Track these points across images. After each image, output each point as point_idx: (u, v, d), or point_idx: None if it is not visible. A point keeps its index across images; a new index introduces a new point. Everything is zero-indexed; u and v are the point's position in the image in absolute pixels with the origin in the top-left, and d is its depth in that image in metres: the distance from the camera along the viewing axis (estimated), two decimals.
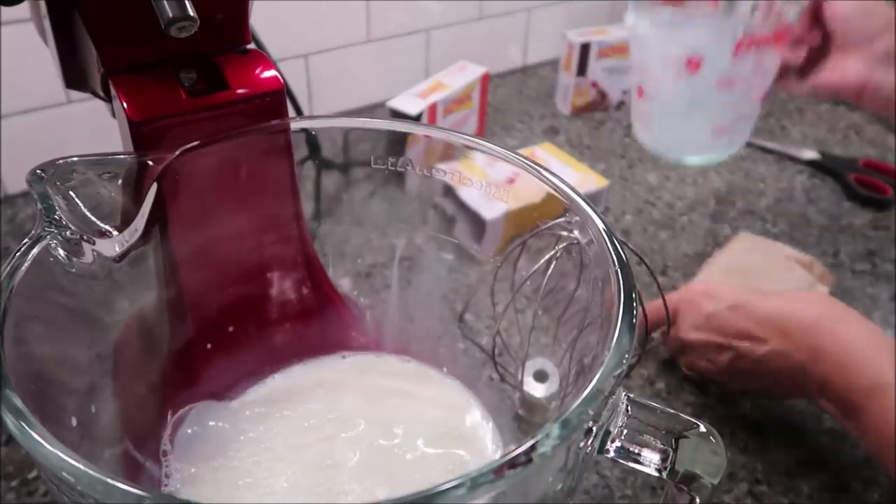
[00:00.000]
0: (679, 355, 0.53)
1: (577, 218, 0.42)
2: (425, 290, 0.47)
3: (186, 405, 0.41)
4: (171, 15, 0.27)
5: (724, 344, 0.48)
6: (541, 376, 0.47)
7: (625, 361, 0.26)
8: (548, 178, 0.37)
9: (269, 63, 0.39)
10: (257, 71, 0.39)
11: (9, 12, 0.42)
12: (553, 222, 0.43)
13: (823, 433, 0.51)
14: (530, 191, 0.68)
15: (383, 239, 0.51)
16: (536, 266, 0.42)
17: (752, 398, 0.53)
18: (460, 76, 0.75)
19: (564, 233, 0.42)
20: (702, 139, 0.61)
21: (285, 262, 0.43)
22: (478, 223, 0.65)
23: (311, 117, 0.38)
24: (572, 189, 0.36)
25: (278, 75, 0.39)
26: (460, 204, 0.67)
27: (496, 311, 0.45)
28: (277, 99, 0.38)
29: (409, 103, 0.69)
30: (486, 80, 0.76)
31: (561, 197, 0.36)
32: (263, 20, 0.79)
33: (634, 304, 0.28)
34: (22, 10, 0.36)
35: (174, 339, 0.41)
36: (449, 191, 0.69)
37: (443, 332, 0.47)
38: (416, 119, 0.68)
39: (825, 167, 0.82)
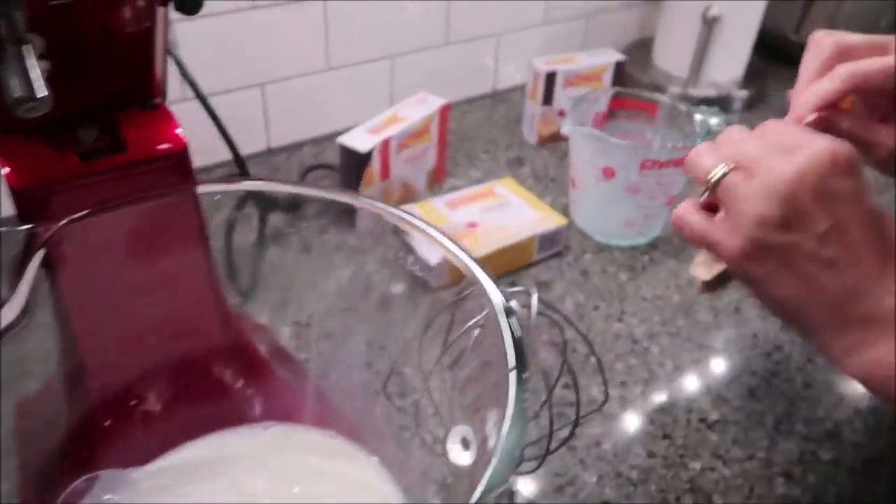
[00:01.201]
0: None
1: (521, 288, 0.39)
2: (350, 358, 0.45)
3: (90, 473, 0.39)
4: (15, 96, 0.25)
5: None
6: (466, 443, 0.45)
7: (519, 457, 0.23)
8: (454, 253, 0.34)
9: (172, 121, 0.37)
10: (160, 129, 0.36)
11: None
12: (473, 289, 0.41)
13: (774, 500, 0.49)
14: (495, 235, 0.66)
15: (314, 303, 0.49)
16: (457, 335, 0.40)
17: (701, 459, 0.51)
18: (419, 108, 0.73)
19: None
20: (615, 229, 0.71)
21: (197, 328, 0.41)
22: (427, 269, 0.62)
23: (212, 181, 0.35)
24: (478, 265, 0.33)
25: (181, 134, 0.36)
26: (410, 247, 0.65)
27: (424, 376, 0.42)
28: (180, 159, 0.36)
29: (360, 140, 0.66)
30: (445, 111, 0.74)
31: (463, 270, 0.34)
32: (216, 49, 0.78)
33: (523, 393, 0.26)
34: None
35: (74, 410, 0.39)
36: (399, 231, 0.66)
37: (368, 402, 0.44)
38: (367, 156, 0.65)
39: None
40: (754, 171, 0.35)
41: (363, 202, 0.37)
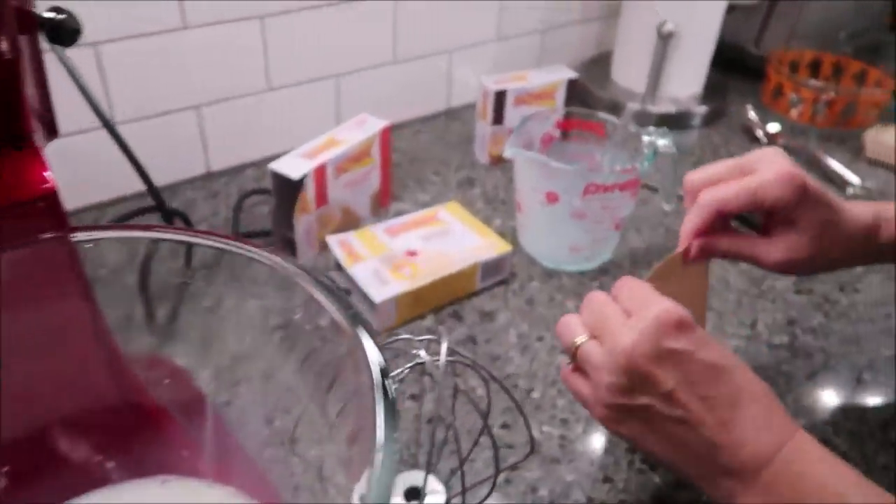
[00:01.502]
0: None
1: (432, 336, 0.37)
2: (270, 404, 0.42)
3: None
4: None
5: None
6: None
7: None
8: (328, 303, 0.31)
9: (42, 163, 0.34)
10: (26, 173, 0.33)
11: None
12: (399, 338, 0.38)
13: None
14: (435, 264, 0.63)
15: (237, 344, 0.45)
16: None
17: None
18: (358, 131, 0.70)
19: (413, 350, 0.37)
20: (562, 255, 0.69)
21: (84, 380, 0.38)
22: (368, 302, 0.59)
23: (83, 228, 0.32)
24: (360, 323, 0.30)
25: (50, 177, 0.33)
26: (352, 280, 0.62)
27: (329, 428, 0.39)
28: (49, 204, 0.33)
29: (293, 165, 0.63)
30: (386, 133, 0.71)
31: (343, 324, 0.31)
32: (147, 71, 0.75)
33: (391, 457, 0.23)
34: None
35: None
36: (340, 266, 0.63)
37: (280, 453, 0.41)
38: (300, 183, 0.62)
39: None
40: (603, 339, 0.39)
41: (246, 250, 0.34)
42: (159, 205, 0.54)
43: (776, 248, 0.46)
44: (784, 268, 0.47)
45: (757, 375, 0.38)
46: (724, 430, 0.36)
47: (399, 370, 0.37)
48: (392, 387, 0.26)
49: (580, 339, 0.40)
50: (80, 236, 0.33)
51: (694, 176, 0.47)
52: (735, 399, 0.36)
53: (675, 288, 0.42)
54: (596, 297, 0.41)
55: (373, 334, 0.28)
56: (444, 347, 0.35)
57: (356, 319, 0.29)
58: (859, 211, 0.47)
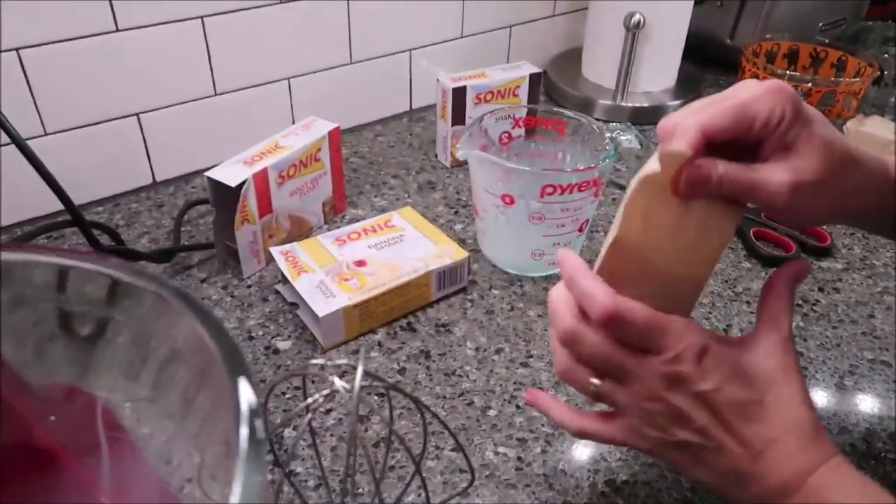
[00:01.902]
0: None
1: (344, 361, 0.33)
2: (188, 438, 0.38)
3: None
4: None
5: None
6: None
7: None
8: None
9: None
10: None
11: None
12: (313, 363, 0.34)
13: None
14: (385, 275, 0.59)
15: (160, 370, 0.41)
16: (291, 413, 0.33)
17: None
18: (303, 135, 0.66)
19: (330, 376, 0.33)
20: (524, 260, 0.64)
21: None
22: (314, 316, 0.55)
23: None
24: (239, 357, 0.26)
25: None
26: (298, 294, 0.57)
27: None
28: None
29: (231, 173, 0.59)
30: (336, 136, 0.67)
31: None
32: (81, 77, 0.69)
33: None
34: None
35: None
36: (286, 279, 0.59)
37: (182, 493, 0.37)
38: (238, 190, 0.58)
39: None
40: (622, 380, 0.37)
41: (127, 274, 0.30)
42: (76, 220, 0.50)
43: (780, 169, 0.36)
44: (792, 197, 0.36)
45: (800, 392, 0.36)
46: (755, 461, 0.35)
47: (311, 399, 0.33)
48: (260, 427, 0.22)
49: (595, 381, 0.38)
50: None
51: (668, 118, 0.38)
52: (768, 433, 0.35)
53: (662, 237, 0.36)
54: (585, 341, 0.37)
55: (245, 368, 0.24)
56: (358, 373, 0.31)
57: (229, 350, 0.25)
58: (871, 154, 0.40)
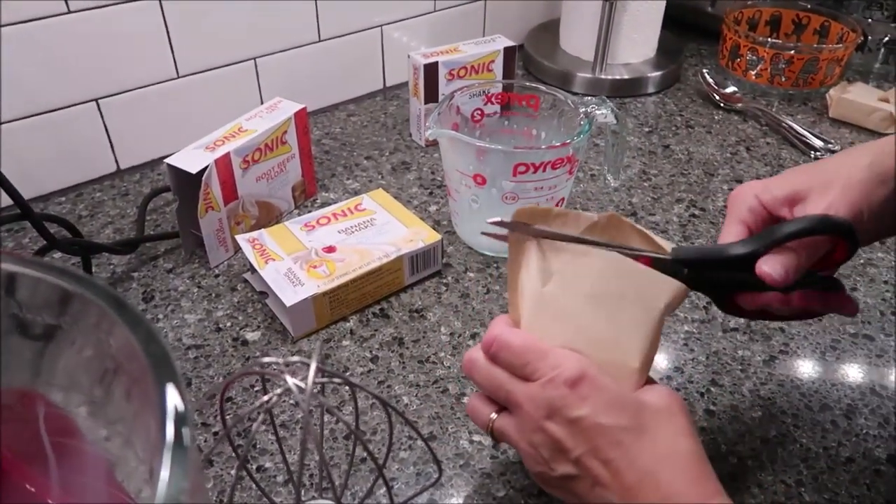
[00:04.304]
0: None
1: (301, 359, 0.31)
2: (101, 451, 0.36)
3: None
4: None
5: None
6: None
7: None
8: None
9: None
10: None
11: None
12: (266, 361, 0.32)
13: None
14: (355, 260, 0.57)
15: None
16: (248, 411, 0.31)
17: None
18: (268, 117, 0.63)
19: (283, 375, 0.31)
20: (498, 242, 0.61)
21: None
22: (283, 306, 0.53)
23: None
24: (169, 360, 0.24)
25: None
26: (265, 283, 0.55)
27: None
28: None
29: (191, 159, 0.57)
30: (303, 117, 0.65)
31: None
32: (33, 62, 0.65)
33: None
34: None
35: None
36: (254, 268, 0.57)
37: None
38: (199, 177, 0.56)
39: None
40: (512, 411, 0.38)
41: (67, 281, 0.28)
42: (25, 213, 0.47)
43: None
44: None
45: (684, 425, 0.35)
46: (628, 494, 0.33)
47: (265, 398, 0.31)
48: (188, 433, 0.20)
49: (493, 415, 0.39)
50: None
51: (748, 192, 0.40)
52: (643, 464, 0.33)
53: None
54: (477, 367, 0.39)
55: (173, 375, 0.22)
56: (311, 370, 0.29)
57: (156, 355, 0.23)
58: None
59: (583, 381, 0.35)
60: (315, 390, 0.29)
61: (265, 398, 0.31)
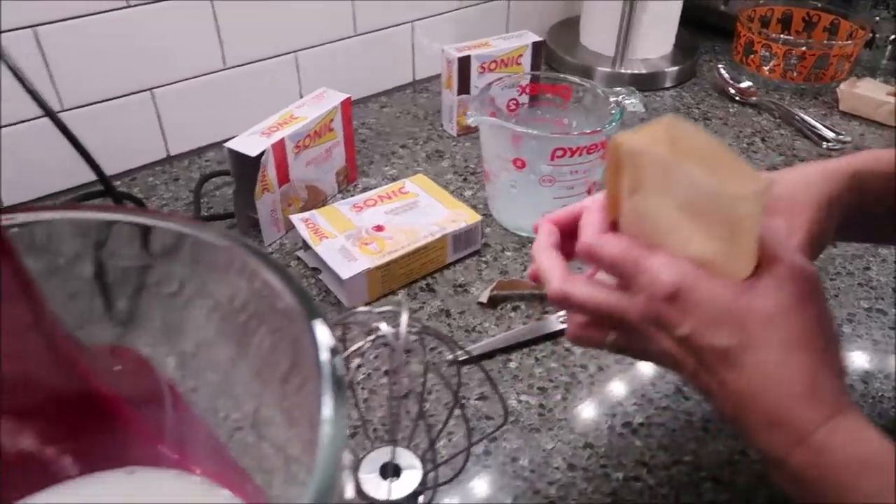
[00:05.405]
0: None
1: (392, 308, 0.35)
2: (239, 389, 0.40)
3: None
4: None
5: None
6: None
7: None
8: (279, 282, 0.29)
9: None
10: None
11: None
12: (357, 311, 0.36)
13: None
14: (402, 239, 0.61)
15: (201, 329, 0.43)
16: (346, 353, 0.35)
17: (624, 469, 0.47)
18: (317, 106, 0.67)
19: (374, 324, 0.35)
20: (534, 222, 0.64)
21: (30, 374, 0.36)
22: (337, 279, 0.57)
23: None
24: (307, 297, 0.28)
25: None
26: (320, 259, 0.59)
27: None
28: None
29: (250, 144, 0.61)
30: (347, 106, 0.69)
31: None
32: (95, 53, 0.71)
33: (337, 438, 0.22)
34: None
35: None
36: (308, 245, 0.61)
37: (252, 437, 0.39)
38: (258, 160, 0.60)
39: None
40: (621, 332, 0.36)
41: (196, 231, 0.32)
42: (108, 189, 0.51)
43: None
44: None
45: (798, 337, 0.31)
46: (742, 412, 0.32)
47: (359, 344, 0.35)
48: (340, 363, 0.24)
49: (609, 337, 0.36)
50: (8, 219, 0.31)
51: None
52: (749, 385, 0.31)
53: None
54: (574, 295, 0.36)
55: (319, 312, 0.26)
56: (403, 318, 0.33)
57: (303, 297, 0.27)
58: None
59: (680, 295, 0.31)
60: (411, 338, 0.33)
61: (360, 343, 0.35)
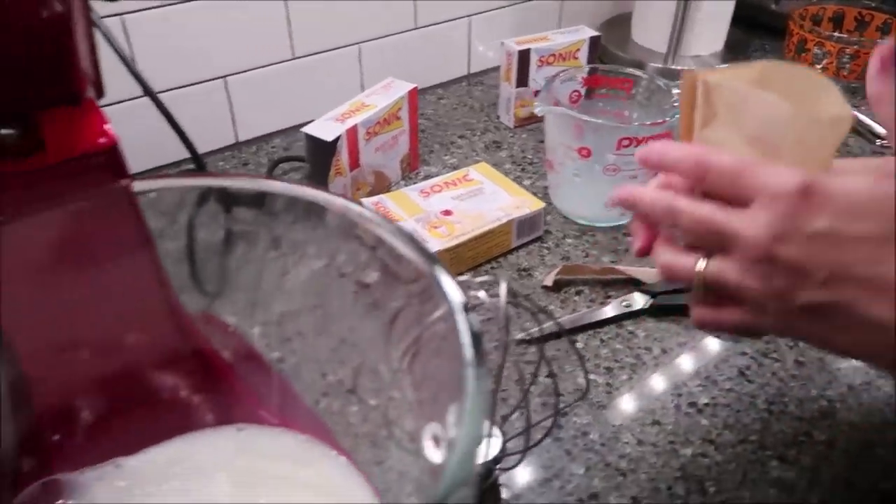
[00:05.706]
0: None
1: (490, 278, 0.37)
2: (323, 356, 0.42)
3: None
4: None
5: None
6: (437, 440, 0.42)
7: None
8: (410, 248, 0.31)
9: (100, 117, 0.34)
10: (86, 126, 0.34)
11: None
12: (462, 278, 0.38)
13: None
14: (469, 223, 0.63)
15: (284, 300, 0.46)
16: (421, 330, 0.38)
17: (692, 445, 0.49)
18: (385, 94, 0.70)
19: (472, 292, 0.37)
20: (596, 211, 0.68)
21: (148, 334, 0.38)
22: None
23: (152, 177, 0.33)
24: (434, 260, 0.31)
25: (110, 130, 0.34)
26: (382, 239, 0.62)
27: (393, 372, 0.40)
28: (110, 157, 0.34)
29: (325, 128, 0.63)
30: (414, 96, 0.71)
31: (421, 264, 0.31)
32: (172, 42, 0.75)
33: (481, 390, 0.24)
34: None
35: (22, 420, 0.36)
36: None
37: (341, 402, 0.42)
38: (333, 145, 0.63)
39: None
40: (728, 249, 0.32)
41: (319, 196, 0.34)
42: (200, 167, 0.54)
43: None
44: None
45: None
46: None
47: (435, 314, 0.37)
48: (476, 319, 0.26)
49: (700, 264, 0.33)
50: (141, 185, 0.34)
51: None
52: None
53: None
54: (681, 207, 0.33)
55: (448, 270, 0.29)
56: (503, 287, 0.35)
57: (429, 255, 0.30)
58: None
59: (814, 188, 0.28)
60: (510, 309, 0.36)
61: (442, 311, 0.37)
